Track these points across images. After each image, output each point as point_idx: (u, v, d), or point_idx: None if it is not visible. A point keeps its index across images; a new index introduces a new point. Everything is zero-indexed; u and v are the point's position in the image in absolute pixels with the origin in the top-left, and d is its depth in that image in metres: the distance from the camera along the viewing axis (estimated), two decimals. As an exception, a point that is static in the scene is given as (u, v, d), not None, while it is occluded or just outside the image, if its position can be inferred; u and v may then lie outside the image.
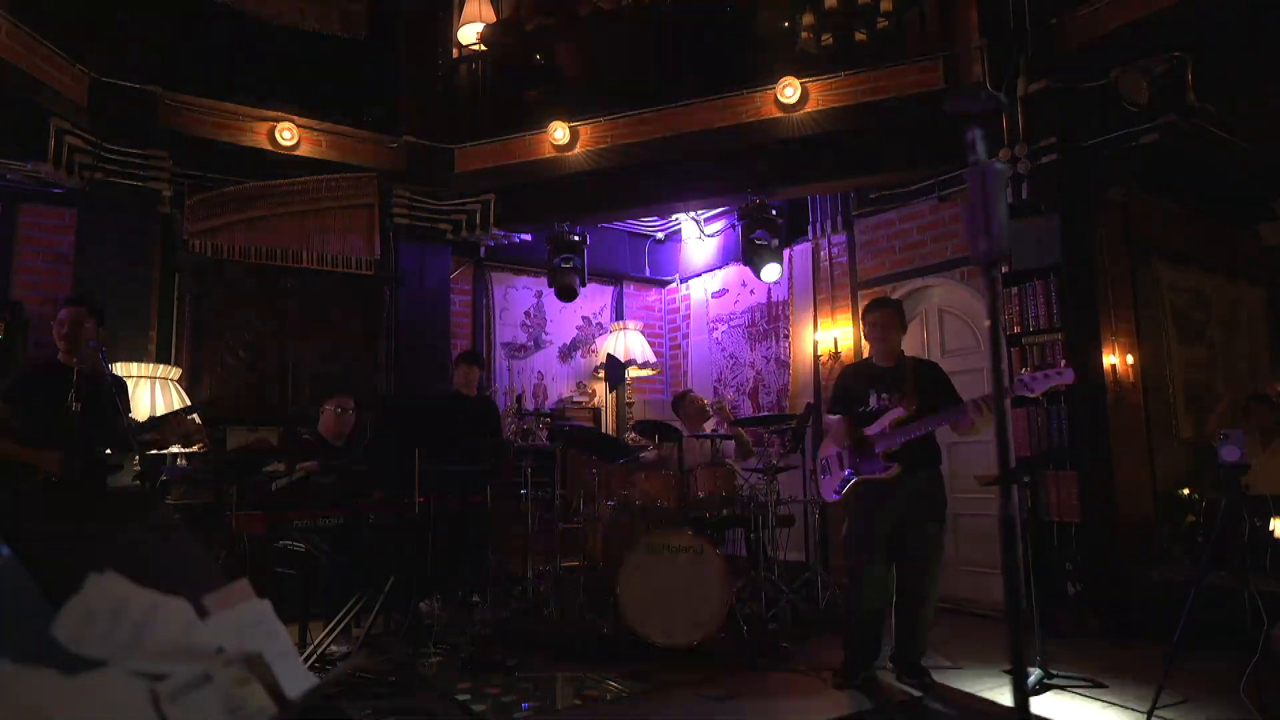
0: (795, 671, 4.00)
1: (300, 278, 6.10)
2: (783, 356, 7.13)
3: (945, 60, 5.28)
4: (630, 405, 7.79)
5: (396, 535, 4.44)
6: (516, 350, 7.50)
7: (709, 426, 5.75)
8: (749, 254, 5.97)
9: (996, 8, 5.13)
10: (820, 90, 5.52)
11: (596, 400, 7.82)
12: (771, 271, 5.99)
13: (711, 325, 7.91)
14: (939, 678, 3.80)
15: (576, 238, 6.46)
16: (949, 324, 5.98)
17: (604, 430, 7.55)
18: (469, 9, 6.69)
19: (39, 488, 3.53)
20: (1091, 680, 3.71)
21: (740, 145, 5.81)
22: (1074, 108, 4.88)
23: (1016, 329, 5.06)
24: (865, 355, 4.60)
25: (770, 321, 7.31)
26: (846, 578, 3.95)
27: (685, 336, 8.21)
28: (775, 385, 7.18)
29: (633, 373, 7.52)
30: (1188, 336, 5.87)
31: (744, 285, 7.52)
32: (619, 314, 7.99)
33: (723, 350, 7.77)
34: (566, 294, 6.56)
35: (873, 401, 3.89)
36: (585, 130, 6.19)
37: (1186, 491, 5.26)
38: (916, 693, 3.66)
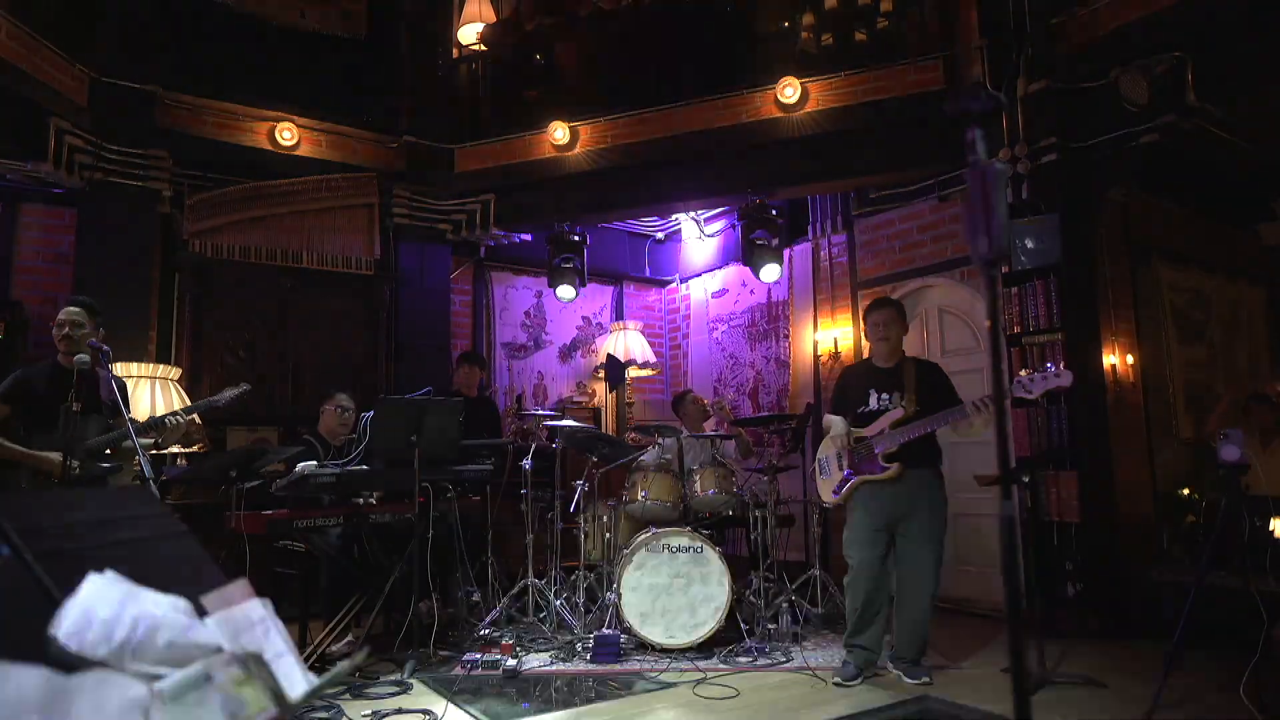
0: (795, 671, 4.00)
1: (300, 278, 6.10)
2: (783, 356, 7.13)
3: (945, 60, 5.28)
4: (630, 405, 7.79)
5: (396, 535, 4.44)
6: (516, 350, 7.50)
7: (709, 426, 5.75)
8: (749, 254, 5.97)
9: (996, 8, 5.13)
10: (820, 90, 5.52)
11: (596, 400, 7.83)
12: (770, 271, 5.99)
13: (711, 325, 7.91)
14: (939, 678, 3.80)
15: (576, 238, 6.46)
16: (949, 324, 5.98)
17: (604, 431, 7.54)
18: (469, 9, 6.69)
19: (39, 488, 3.53)
20: (1091, 680, 3.71)
21: (740, 145, 5.81)
22: (1074, 108, 4.88)
23: (1016, 329, 5.06)
24: (865, 355, 4.60)
25: (770, 321, 7.31)
26: (847, 577, 3.95)
27: (685, 336, 8.21)
28: (775, 385, 7.18)
29: (633, 373, 7.52)
30: (1188, 336, 5.87)
31: (744, 285, 7.52)
32: (619, 314, 7.99)
33: (723, 350, 7.77)
34: (564, 294, 6.56)
35: (872, 402, 3.90)
36: (585, 130, 6.19)
37: (1186, 491, 5.26)
38: (917, 692, 3.66)
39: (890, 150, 5.64)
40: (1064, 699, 3.53)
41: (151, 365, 5.11)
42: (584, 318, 7.90)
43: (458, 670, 3.98)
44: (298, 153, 6.09)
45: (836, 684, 3.76)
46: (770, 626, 4.54)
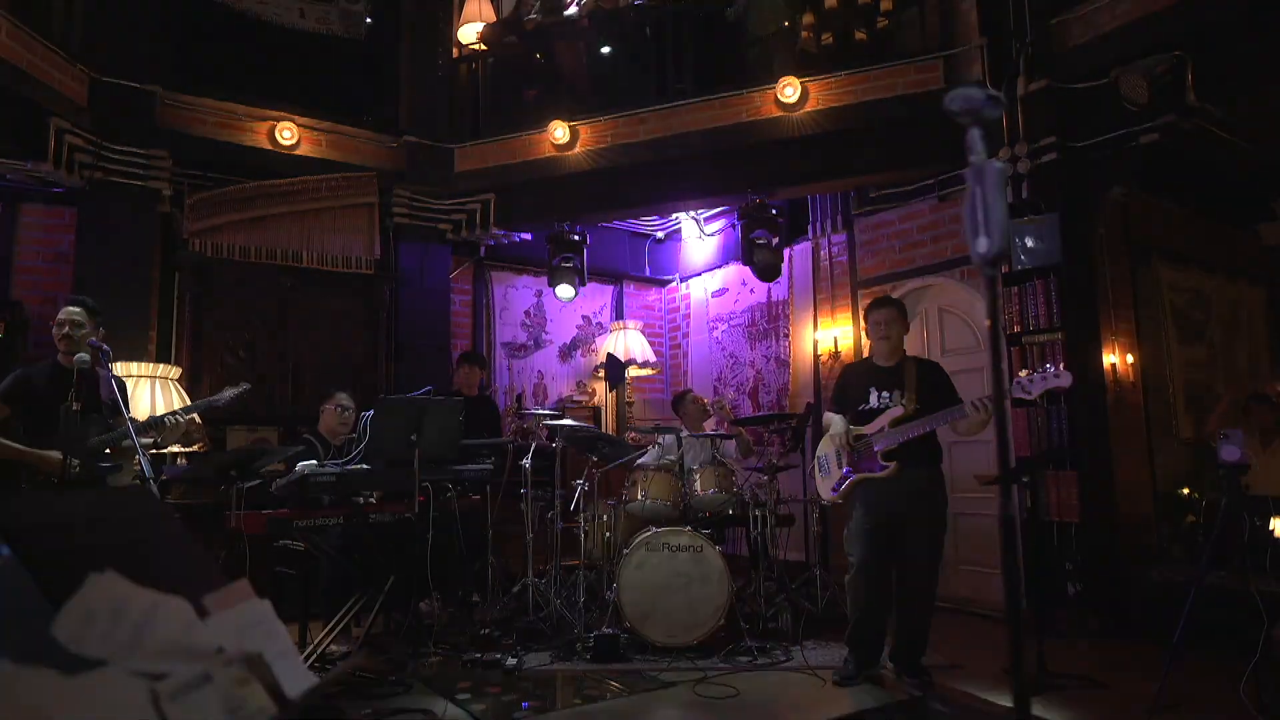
0: (795, 671, 4.00)
1: (300, 277, 6.10)
2: (783, 356, 7.13)
3: (945, 60, 5.28)
4: (630, 405, 7.79)
5: (396, 535, 4.44)
6: (516, 350, 7.50)
7: (709, 426, 5.75)
8: (749, 253, 5.97)
9: (996, 8, 5.13)
10: (820, 90, 5.52)
11: (596, 400, 7.83)
12: (770, 271, 5.99)
13: (711, 325, 7.91)
14: (939, 678, 3.80)
15: (576, 237, 6.46)
16: (949, 324, 5.98)
17: (604, 430, 7.54)
18: (469, 9, 6.69)
19: (39, 488, 3.54)
20: (1091, 680, 3.71)
21: (740, 145, 5.81)
22: (1074, 107, 4.88)
23: (1016, 329, 5.06)
24: (866, 355, 4.60)
25: (770, 321, 7.31)
26: (847, 576, 3.95)
27: (685, 336, 8.21)
28: (775, 385, 7.18)
29: (633, 372, 7.52)
30: (1188, 336, 5.87)
31: (744, 284, 7.52)
32: (619, 313, 7.99)
33: (723, 350, 7.77)
34: (564, 294, 6.56)
35: (872, 400, 3.89)
36: (585, 130, 6.18)
37: (1186, 491, 5.26)
38: (917, 692, 3.66)
39: (890, 150, 5.64)
40: (1064, 699, 3.53)
41: (151, 365, 5.11)
42: (584, 317, 7.90)
43: (458, 670, 3.98)
44: (298, 153, 6.09)
45: (836, 683, 3.76)
46: (770, 626, 4.54)
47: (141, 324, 5.39)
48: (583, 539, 4.89)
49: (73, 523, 1.13)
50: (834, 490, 3.96)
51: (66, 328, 3.73)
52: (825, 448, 4.04)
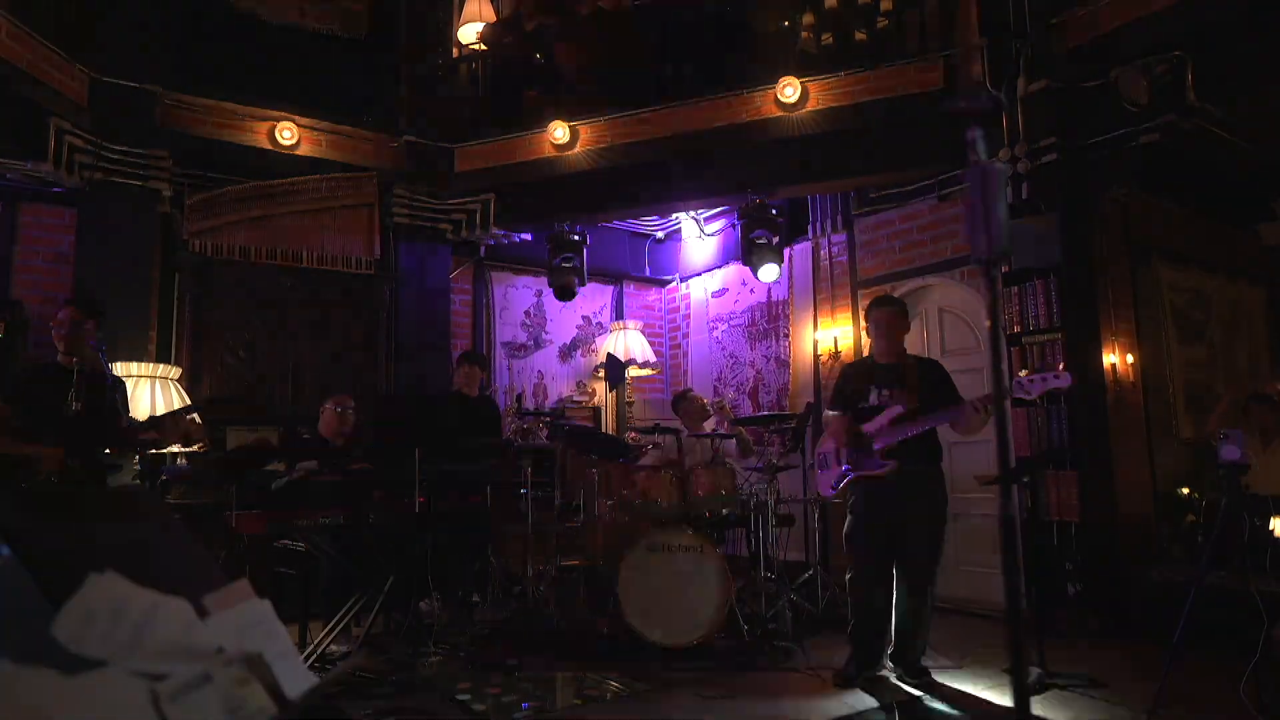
0: (795, 671, 4.00)
1: (300, 278, 6.10)
2: (783, 356, 7.13)
3: (945, 60, 5.27)
4: (630, 405, 7.79)
5: (396, 535, 4.44)
6: (516, 350, 7.50)
7: (709, 426, 5.74)
8: (749, 253, 5.97)
9: (996, 7, 5.13)
10: (820, 90, 5.51)
11: (596, 400, 7.83)
12: (769, 271, 5.99)
13: (711, 325, 7.91)
14: (939, 678, 3.80)
15: (576, 237, 6.46)
16: (949, 324, 5.98)
17: (604, 430, 7.54)
18: (469, 9, 6.69)
19: (39, 487, 3.53)
20: (1091, 680, 3.71)
21: (740, 145, 5.81)
22: (1074, 108, 4.88)
23: (1016, 329, 5.06)
24: (866, 354, 4.60)
25: (770, 321, 7.31)
26: (848, 576, 3.95)
27: (685, 336, 8.21)
28: (775, 384, 7.18)
29: (633, 372, 7.52)
30: (1188, 336, 5.87)
31: (744, 284, 7.52)
32: (619, 313, 7.99)
33: (723, 349, 7.77)
34: (565, 294, 6.57)
35: (872, 398, 3.89)
36: (585, 130, 6.18)
37: (1186, 491, 5.26)
38: (917, 692, 3.66)
39: (890, 150, 5.64)
40: (1064, 699, 3.53)
41: (151, 365, 5.11)
42: (584, 317, 7.90)
43: (458, 670, 3.97)
44: (298, 153, 6.09)
45: (837, 684, 3.76)
46: (770, 626, 4.54)
47: (141, 324, 5.39)
48: (583, 539, 4.89)
49: (73, 523, 1.13)
50: (833, 488, 3.95)
51: (66, 328, 3.73)
52: (825, 445, 4.04)
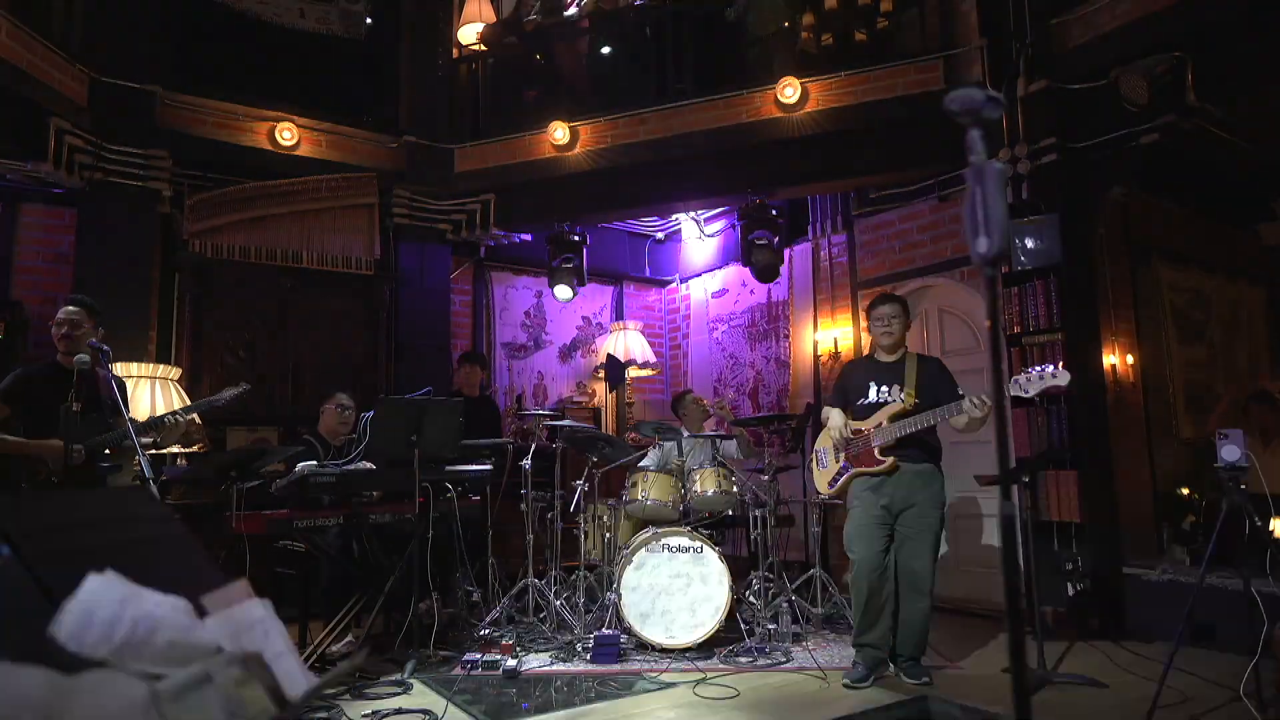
0: (795, 671, 4.00)
1: (300, 278, 6.10)
2: (783, 356, 7.13)
3: (945, 60, 5.28)
4: (630, 405, 7.79)
5: (396, 535, 4.44)
6: (516, 350, 7.50)
7: (709, 426, 5.75)
8: (749, 254, 5.97)
9: (996, 8, 5.13)
10: (820, 90, 5.52)
11: (596, 400, 7.83)
12: (768, 272, 5.98)
13: (711, 325, 7.91)
14: (939, 678, 3.80)
15: (576, 238, 6.46)
16: (949, 324, 5.99)
17: (604, 430, 7.55)
18: (469, 9, 6.69)
19: (39, 488, 3.53)
20: (1091, 680, 3.71)
21: (740, 145, 5.81)
22: (1074, 108, 4.88)
23: (1016, 329, 5.06)
24: (866, 354, 4.60)
25: (770, 321, 7.31)
26: (848, 576, 3.94)
27: (685, 336, 8.21)
28: (775, 385, 7.18)
29: (633, 373, 7.52)
30: (1188, 336, 5.87)
31: (744, 285, 7.52)
32: (619, 314, 7.99)
33: (723, 350, 7.78)
34: (563, 294, 6.56)
35: (872, 394, 3.88)
36: (585, 130, 6.19)
37: (1186, 491, 5.26)
38: (917, 692, 3.66)
39: (890, 150, 5.64)
40: (1064, 699, 3.53)
41: (151, 365, 5.11)
42: (584, 318, 7.90)
43: (458, 670, 3.98)
44: (298, 153, 6.09)
45: (846, 685, 3.74)
46: (770, 626, 4.54)
47: (141, 324, 5.39)
48: (583, 539, 4.89)
49: (73, 523, 1.13)
50: (831, 485, 3.95)
51: (66, 327, 3.73)
52: (824, 442, 4.04)
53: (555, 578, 4.92)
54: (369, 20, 6.73)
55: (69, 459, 3.50)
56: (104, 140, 5.31)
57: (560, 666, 4.11)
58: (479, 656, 4.12)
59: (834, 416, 3.97)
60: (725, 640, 4.33)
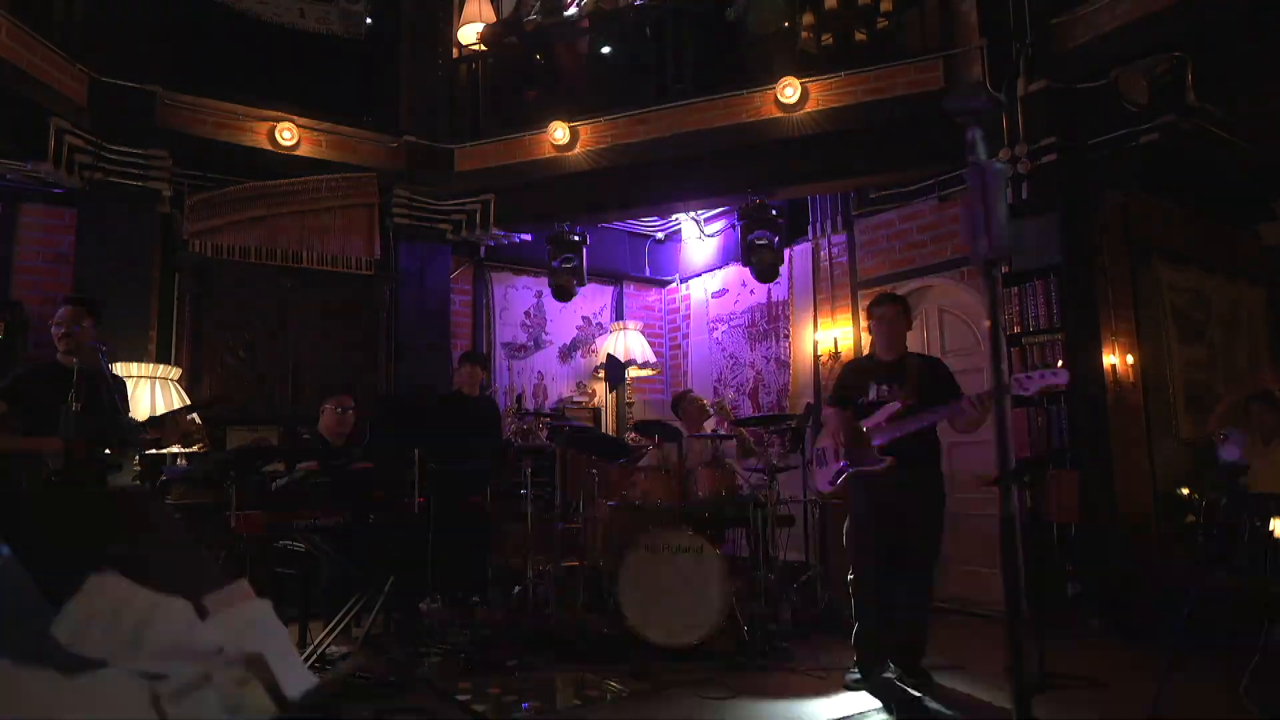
0: (795, 671, 3.99)
1: (300, 278, 6.10)
2: (783, 356, 7.13)
3: (945, 60, 5.28)
4: (630, 405, 7.79)
5: (396, 535, 4.44)
6: (516, 350, 7.50)
7: (709, 426, 5.74)
8: (748, 254, 5.96)
9: (996, 8, 5.13)
10: (820, 90, 5.52)
11: (596, 400, 7.82)
12: (768, 272, 5.98)
13: (711, 325, 7.91)
14: (939, 678, 3.79)
15: (576, 238, 6.46)
16: (949, 324, 5.98)
17: (604, 430, 7.54)
18: (469, 9, 6.69)
19: (39, 488, 3.53)
20: (1091, 680, 3.71)
21: (740, 145, 5.81)
22: (1074, 108, 4.88)
23: (1016, 329, 5.06)
24: (866, 353, 4.60)
25: (770, 321, 7.31)
26: (849, 577, 3.94)
27: (685, 336, 8.21)
28: (775, 385, 7.18)
29: (633, 373, 7.52)
30: (1188, 336, 5.87)
31: (744, 285, 7.52)
32: (619, 314, 7.99)
33: (723, 350, 7.77)
34: (563, 294, 6.57)
35: (872, 393, 3.87)
36: (585, 130, 6.18)
37: (1186, 491, 5.26)
38: (917, 693, 3.65)
39: (890, 150, 5.64)
40: (1064, 699, 3.52)
41: (151, 365, 5.11)
42: (584, 318, 7.90)
43: (458, 670, 3.97)
44: (298, 153, 6.09)
45: (847, 686, 3.74)
46: (770, 627, 4.54)
47: (141, 324, 5.39)
48: (583, 539, 4.89)
49: (73, 523, 1.13)
50: (830, 484, 3.94)
51: (65, 326, 3.73)
52: (824, 440, 4.03)
53: (555, 577, 4.91)
54: (369, 20, 6.73)
55: (69, 458, 3.50)
56: (104, 140, 5.31)
57: (560, 666, 4.10)
58: (479, 656, 4.11)
59: (834, 416, 3.97)
60: (725, 640, 4.32)
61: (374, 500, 4.46)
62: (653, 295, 8.44)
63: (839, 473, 3.88)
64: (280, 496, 4.13)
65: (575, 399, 7.71)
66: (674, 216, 7.78)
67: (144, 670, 0.82)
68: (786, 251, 6.43)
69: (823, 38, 5.71)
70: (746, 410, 7.30)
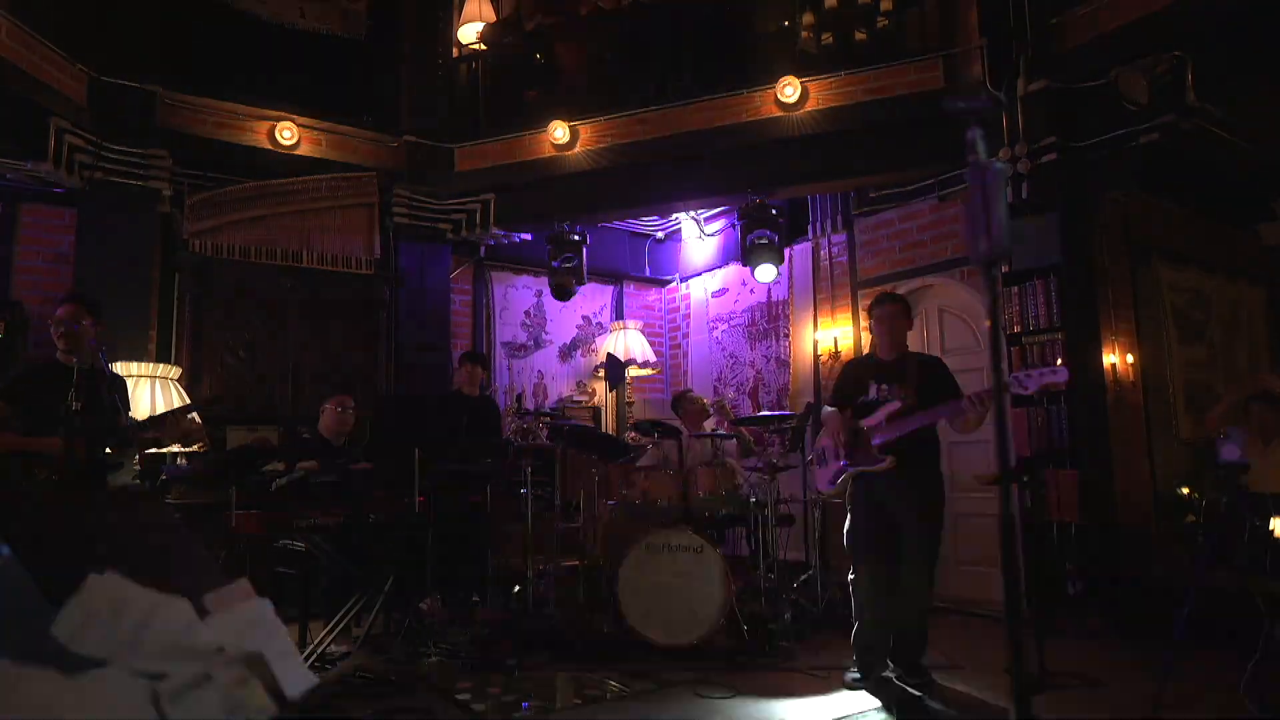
0: (795, 671, 3.99)
1: (300, 278, 6.10)
2: (783, 356, 7.13)
3: (945, 60, 5.28)
4: (630, 405, 7.79)
5: (396, 535, 4.44)
6: (516, 350, 7.50)
7: (709, 426, 5.75)
8: (749, 254, 5.97)
9: (996, 7, 5.13)
10: (820, 90, 5.52)
11: (596, 400, 7.83)
12: (766, 272, 5.98)
13: (711, 325, 7.91)
14: (939, 678, 3.79)
15: (576, 237, 6.46)
16: (949, 324, 5.98)
17: (604, 430, 7.55)
18: (469, 9, 6.69)
19: (39, 487, 3.53)
20: (1092, 680, 3.71)
21: (740, 145, 5.81)
22: (1074, 108, 4.88)
23: (1016, 329, 5.06)
24: (866, 353, 4.60)
25: (770, 321, 7.31)
26: (849, 577, 3.94)
27: (685, 336, 8.21)
28: (775, 384, 7.18)
29: (633, 372, 7.52)
30: (1188, 336, 5.87)
31: (744, 285, 7.52)
32: (619, 313, 7.99)
33: (723, 350, 7.77)
34: (562, 294, 6.57)
35: (872, 392, 3.87)
36: (585, 130, 6.19)
37: (1186, 491, 5.26)
38: (917, 693, 3.65)
39: (890, 150, 5.64)
40: (1064, 699, 3.53)
41: (151, 365, 5.11)
42: (584, 317, 7.90)
43: (458, 670, 3.98)
44: (298, 152, 6.09)
45: (848, 686, 3.74)
46: (770, 626, 4.54)
47: (141, 324, 5.39)
48: (583, 539, 4.89)
49: (74, 523, 1.13)
50: (830, 483, 3.94)
51: (64, 325, 3.72)
52: (824, 439, 4.03)
53: (555, 577, 4.92)
54: (369, 20, 6.72)
55: (69, 457, 3.50)
56: (104, 140, 5.31)
57: (560, 666, 4.10)
58: (479, 656, 4.10)
59: (833, 415, 3.97)
60: (725, 640, 4.32)
61: (374, 500, 4.46)
62: (653, 295, 8.44)
63: (839, 472, 3.88)
64: (280, 496, 4.13)
65: (575, 398, 7.71)
66: (674, 216, 7.78)
67: (144, 670, 0.82)
68: (786, 251, 6.43)
69: (823, 37, 5.71)
70: (746, 409, 7.30)
